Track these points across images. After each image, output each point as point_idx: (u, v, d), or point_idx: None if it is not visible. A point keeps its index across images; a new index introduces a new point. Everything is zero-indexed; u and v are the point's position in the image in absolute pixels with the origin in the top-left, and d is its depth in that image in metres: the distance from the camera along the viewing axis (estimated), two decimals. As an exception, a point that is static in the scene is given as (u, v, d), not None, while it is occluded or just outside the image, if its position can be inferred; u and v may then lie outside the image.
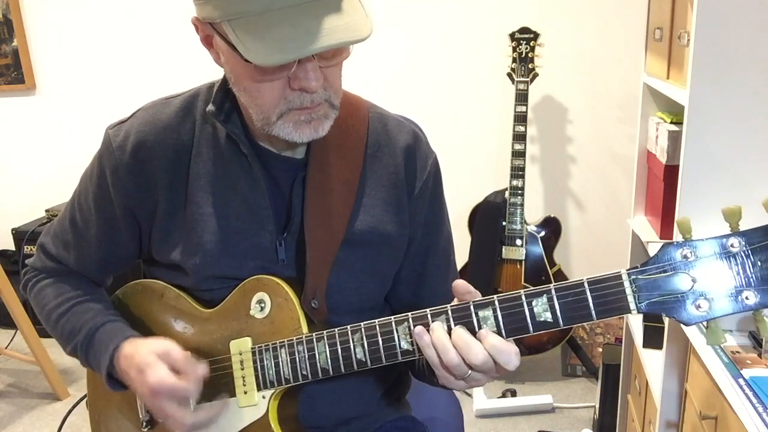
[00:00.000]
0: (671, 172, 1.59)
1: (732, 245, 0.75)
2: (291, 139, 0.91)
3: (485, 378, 0.86)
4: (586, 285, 0.80)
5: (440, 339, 0.84)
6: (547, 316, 0.82)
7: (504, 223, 2.54)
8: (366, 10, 0.84)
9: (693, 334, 1.29)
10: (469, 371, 0.84)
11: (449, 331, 0.85)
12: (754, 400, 1.08)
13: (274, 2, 0.79)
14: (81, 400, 1.27)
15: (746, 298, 0.75)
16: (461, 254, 2.16)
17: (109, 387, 1.05)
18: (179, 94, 1.05)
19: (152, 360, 0.96)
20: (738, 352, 1.25)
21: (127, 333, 1.04)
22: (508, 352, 0.82)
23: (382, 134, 1.05)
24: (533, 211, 2.79)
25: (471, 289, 0.86)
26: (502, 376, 2.67)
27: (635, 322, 1.89)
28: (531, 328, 0.82)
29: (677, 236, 0.79)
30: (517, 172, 2.49)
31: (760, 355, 1.23)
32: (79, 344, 1.06)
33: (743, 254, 0.75)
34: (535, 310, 0.82)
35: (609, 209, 2.82)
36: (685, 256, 0.77)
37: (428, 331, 0.85)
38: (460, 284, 0.86)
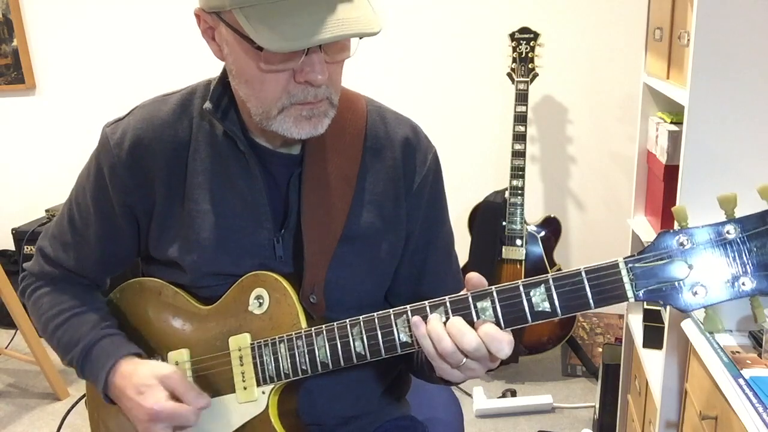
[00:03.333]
0: (671, 172, 1.59)
1: (728, 232, 0.76)
2: (290, 135, 0.91)
3: (480, 368, 0.86)
4: (583, 274, 0.80)
5: (435, 328, 0.84)
6: (545, 305, 0.82)
7: (504, 223, 2.54)
8: (374, 8, 0.86)
9: (693, 333, 1.29)
10: (464, 359, 0.84)
11: (446, 322, 0.85)
12: (754, 400, 1.08)
13: None
14: (80, 399, 1.27)
15: (743, 284, 0.76)
16: (461, 254, 2.16)
17: (107, 402, 1.05)
18: (176, 91, 1.05)
19: (153, 383, 0.95)
20: (738, 352, 1.25)
21: (124, 350, 1.03)
22: (500, 340, 0.82)
23: (380, 128, 1.05)
24: (533, 211, 2.79)
25: (483, 282, 0.87)
26: (502, 376, 2.67)
27: (635, 322, 1.89)
28: (529, 318, 0.83)
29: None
30: (517, 172, 2.50)
31: (760, 355, 1.23)
32: (76, 358, 1.06)
33: (739, 241, 0.76)
34: (533, 300, 0.82)
35: (609, 209, 2.82)
36: (682, 244, 0.78)
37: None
38: (473, 277, 0.86)
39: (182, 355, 1.04)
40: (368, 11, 0.84)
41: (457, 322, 0.84)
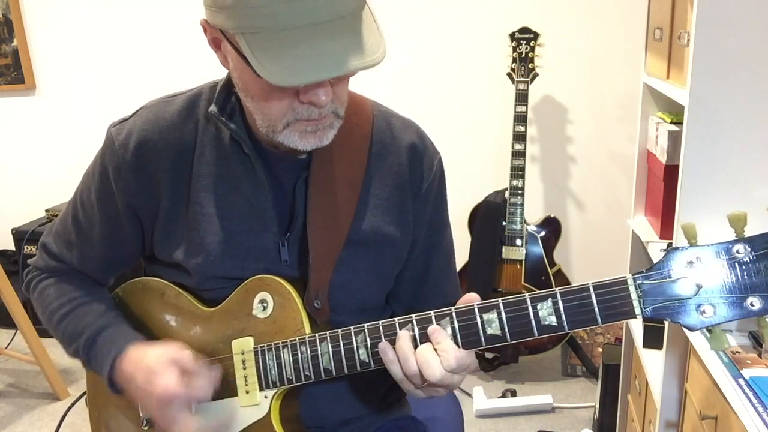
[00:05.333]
0: (671, 172, 1.59)
1: (737, 251, 0.76)
2: (295, 147, 0.92)
3: (444, 390, 0.89)
4: (591, 289, 0.80)
5: (403, 349, 0.86)
6: (552, 320, 0.82)
7: (504, 223, 2.54)
8: (381, 31, 0.84)
9: (693, 334, 1.29)
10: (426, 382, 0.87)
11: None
12: (754, 400, 1.08)
13: (292, 21, 0.78)
14: (80, 398, 1.27)
15: (751, 303, 0.75)
16: (461, 254, 2.17)
17: (112, 390, 1.04)
18: (182, 93, 1.05)
19: (162, 367, 0.95)
20: (738, 352, 1.25)
21: (130, 337, 1.04)
22: (431, 364, 0.84)
23: (386, 133, 1.05)
24: (533, 211, 2.79)
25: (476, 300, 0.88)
26: (502, 376, 2.67)
27: (635, 323, 1.89)
28: (536, 332, 0.83)
29: (678, 238, 0.79)
30: (517, 172, 2.50)
31: (760, 355, 1.23)
32: (81, 347, 1.06)
33: (748, 260, 0.75)
34: (540, 313, 0.82)
35: (609, 209, 2.82)
36: (690, 262, 0.77)
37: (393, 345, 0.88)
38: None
39: (184, 357, 1.04)
40: (373, 37, 0.83)
41: (426, 353, 0.85)
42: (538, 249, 2.57)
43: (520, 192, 2.50)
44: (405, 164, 1.04)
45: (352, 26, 0.82)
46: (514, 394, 2.56)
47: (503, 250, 2.55)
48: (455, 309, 0.86)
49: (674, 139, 1.59)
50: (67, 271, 1.13)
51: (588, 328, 2.72)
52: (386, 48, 0.83)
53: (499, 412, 2.48)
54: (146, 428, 1.09)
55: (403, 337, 0.87)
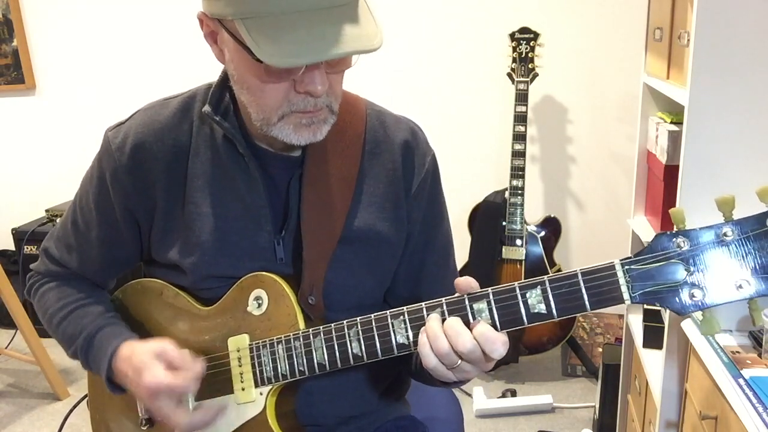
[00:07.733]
0: (671, 172, 1.59)
1: (726, 234, 0.76)
2: (289, 141, 0.92)
3: (474, 370, 0.86)
4: (579, 276, 0.80)
5: (432, 327, 0.85)
6: (541, 307, 0.82)
7: (504, 223, 2.54)
8: (377, 22, 0.86)
9: (693, 333, 1.29)
10: (459, 361, 0.84)
11: (443, 322, 0.85)
12: (754, 400, 1.08)
13: (291, 5, 0.80)
14: (81, 400, 1.27)
15: (740, 286, 0.75)
16: (461, 254, 2.17)
17: (110, 390, 1.05)
18: (177, 95, 1.06)
19: (149, 360, 0.96)
20: (738, 352, 1.25)
21: (124, 335, 1.04)
22: (494, 341, 0.82)
23: (379, 131, 1.06)
24: (533, 211, 2.79)
25: (473, 284, 0.86)
26: (502, 376, 2.67)
27: (635, 322, 1.89)
28: (525, 320, 0.83)
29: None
30: (517, 172, 2.50)
31: (760, 355, 1.23)
32: (79, 348, 1.07)
33: (737, 243, 0.75)
34: (530, 302, 0.83)
35: (609, 209, 2.82)
36: (679, 246, 0.77)
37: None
38: (461, 282, 0.86)
39: (182, 355, 1.05)
40: (370, 26, 0.84)
41: (454, 323, 0.84)
42: (538, 249, 2.56)
43: (520, 192, 2.50)
44: (398, 162, 1.05)
45: (350, 15, 0.83)
46: (514, 394, 2.56)
47: (503, 250, 2.55)
48: (446, 300, 0.87)
49: (674, 139, 1.59)
50: (67, 275, 1.14)
51: (586, 325, 2.72)
52: (383, 38, 0.84)
53: (499, 412, 2.48)
54: (145, 428, 1.09)
55: (433, 318, 0.86)
